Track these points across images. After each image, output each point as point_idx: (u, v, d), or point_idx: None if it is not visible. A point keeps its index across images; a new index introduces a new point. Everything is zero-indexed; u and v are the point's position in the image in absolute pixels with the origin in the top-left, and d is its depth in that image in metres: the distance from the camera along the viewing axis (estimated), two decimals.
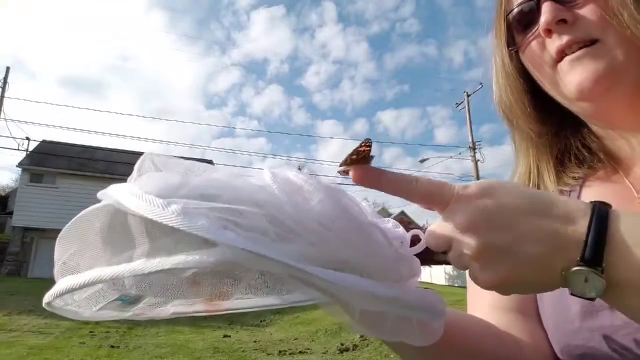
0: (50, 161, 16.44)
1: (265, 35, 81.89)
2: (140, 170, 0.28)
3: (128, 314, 0.29)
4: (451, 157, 18.22)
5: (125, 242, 0.25)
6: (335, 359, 5.87)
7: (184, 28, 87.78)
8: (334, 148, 70.99)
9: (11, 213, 17.49)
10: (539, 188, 0.51)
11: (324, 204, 0.26)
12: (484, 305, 0.50)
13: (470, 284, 0.56)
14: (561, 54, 0.43)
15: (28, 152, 16.13)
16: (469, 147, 16.30)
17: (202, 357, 5.73)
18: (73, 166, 16.46)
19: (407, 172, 0.32)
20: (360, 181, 0.31)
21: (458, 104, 17.53)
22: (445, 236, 0.30)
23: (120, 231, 0.25)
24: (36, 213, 15.65)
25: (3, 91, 15.24)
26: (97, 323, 7.65)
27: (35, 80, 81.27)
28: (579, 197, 0.49)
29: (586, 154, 0.49)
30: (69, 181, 16.41)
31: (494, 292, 0.52)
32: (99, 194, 0.27)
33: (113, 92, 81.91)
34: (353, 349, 6.16)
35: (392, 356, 5.39)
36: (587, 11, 0.40)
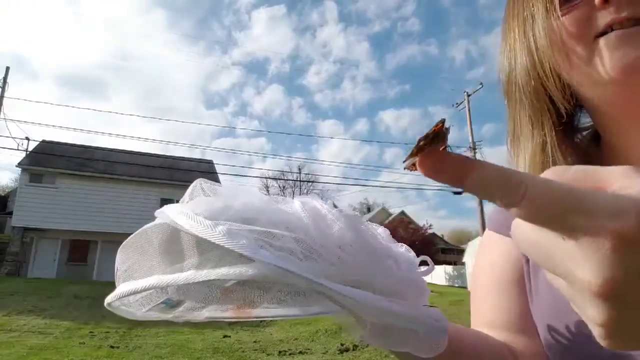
0: (50, 161, 16.45)
1: (266, 34, 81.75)
2: (192, 194, 0.33)
3: (169, 315, 0.33)
4: None
5: (178, 255, 0.29)
6: (335, 359, 5.87)
7: (185, 27, 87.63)
8: (335, 148, 71.13)
9: (11, 213, 17.49)
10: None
11: (344, 231, 0.30)
12: (482, 324, 0.51)
13: (472, 302, 0.56)
14: (607, 29, 0.38)
15: (28, 152, 16.13)
16: (469, 147, 16.31)
17: (202, 357, 5.73)
18: (73, 166, 16.48)
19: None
20: (433, 174, 0.22)
21: (458, 104, 17.55)
22: (557, 264, 0.20)
23: (174, 245, 0.29)
24: (36, 213, 15.66)
25: (3, 91, 15.24)
26: (96, 323, 7.67)
27: (35, 79, 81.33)
28: None
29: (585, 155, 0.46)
30: (69, 181, 16.43)
31: (490, 311, 0.52)
32: (156, 212, 0.31)
33: (113, 92, 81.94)
34: (353, 349, 6.16)
35: (391, 357, 5.39)
36: None
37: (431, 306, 0.36)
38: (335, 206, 0.33)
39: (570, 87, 0.43)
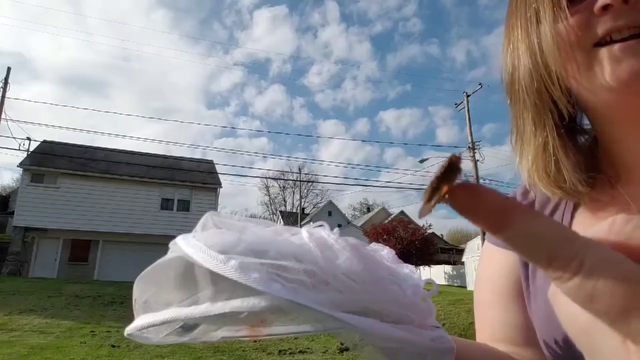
0: (51, 161, 16.48)
1: (268, 35, 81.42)
2: (204, 226, 0.34)
3: (185, 338, 0.34)
4: None
5: (193, 287, 0.31)
6: (335, 358, 5.89)
7: (187, 28, 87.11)
8: (335, 148, 71.04)
9: (12, 213, 17.52)
10: (557, 166, 0.45)
11: (351, 261, 0.32)
12: (486, 338, 0.52)
13: (476, 317, 0.56)
14: (607, 37, 0.38)
15: (29, 153, 16.16)
16: (468, 147, 16.29)
17: (202, 356, 5.75)
18: (74, 166, 16.50)
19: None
20: (469, 213, 0.18)
21: (457, 104, 17.54)
22: None
23: (189, 278, 0.31)
24: (37, 213, 15.69)
25: (4, 92, 15.26)
26: (97, 323, 7.69)
27: (38, 79, 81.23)
28: (572, 214, 0.48)
29: (584, 162, 0.46)
30: (70, 181, 16.45)
31: (492, 326, 0.53)
32: (170, 244, 0.33)
33: (115, 92, 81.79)
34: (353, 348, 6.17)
35: None
36: None
37: (436, 327, 0.37)
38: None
39: (571, 89, 0.44)
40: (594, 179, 0.45)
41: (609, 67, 0.38)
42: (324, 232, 0.34)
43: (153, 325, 0.31)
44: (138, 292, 0.33)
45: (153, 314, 0.31)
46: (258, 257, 0.29)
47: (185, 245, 0.30)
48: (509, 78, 0.48)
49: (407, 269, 0.40)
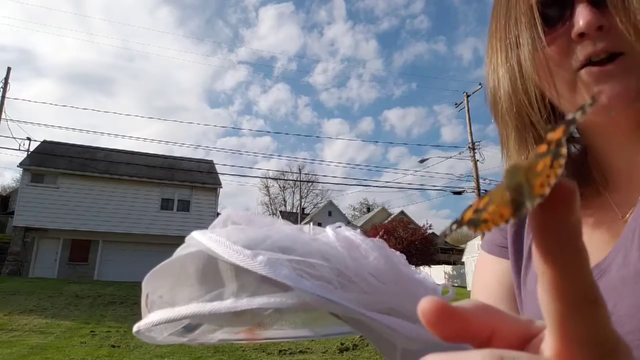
0: (51, 161, 16.49)
1: (274, 32, 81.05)
2: (225, 223, 0.33)
3: (185, 339, 0.34)
4: (451, 157, 18.30)
5: (214, 282, 0.30)
6: (335, 358, 5.89)
7: (192, 26, 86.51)
8: (339, 147, 70.99)
9: (12, 213, 17.53)
10: None
11: (378, 261, 0.31)
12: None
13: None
14: (586, 60, 0.40)
15: (29, 153, 16.17)
16: (469, 147, 16.31)
17: (202, 356, 5.75)
18: (74, 166, 16.51)
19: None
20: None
21: (458, 104, 17.55)
22: None
23: (210, 273, 0.30)
24: (37, 213, 15.69)
25: (4, 91, 15.27)
26: (97, 323, 7.69)
27: (41, 77, 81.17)
28: None
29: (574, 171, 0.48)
30: (70, 181, 16.46)
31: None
32: (187, 238, 0.32)
33: (119, 90, 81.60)
34: (353, 349, 6.17)
35: None
36: (619, 20, 0.39)
37: None
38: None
39: (556, 107, 0.46)
40: (584, 187, 0.47)
41: (589, 89, 0.40)
42: (349, 232, 0.33)
43: (173, 320, 0.30)
44: (151, 287, 0.32)
45: (171, 309, 0.30)
46: (285, 254, 0.28)
47: (207, 240, 0.29)
48: (492, 98, 0.50)
49: (421, 274, 0.40)
